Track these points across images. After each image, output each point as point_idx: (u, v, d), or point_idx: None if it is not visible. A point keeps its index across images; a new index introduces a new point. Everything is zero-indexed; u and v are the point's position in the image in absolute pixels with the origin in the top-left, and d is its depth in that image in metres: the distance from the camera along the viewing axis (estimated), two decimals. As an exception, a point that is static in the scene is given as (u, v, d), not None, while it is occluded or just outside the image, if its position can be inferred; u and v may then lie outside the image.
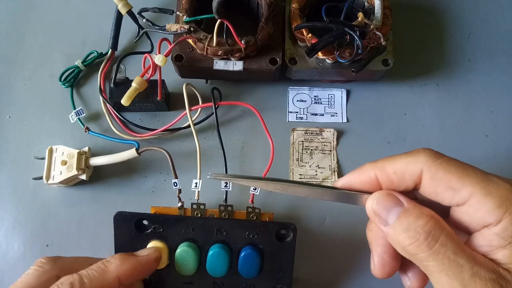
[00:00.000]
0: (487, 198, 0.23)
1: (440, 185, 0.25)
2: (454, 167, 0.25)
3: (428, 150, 0.26)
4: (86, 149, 0.44)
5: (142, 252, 0.34)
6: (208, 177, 0.29)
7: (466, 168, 0.24)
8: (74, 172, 0.42)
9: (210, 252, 0.35)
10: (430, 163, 0.25)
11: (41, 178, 0.42)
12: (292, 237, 0.35)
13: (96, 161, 0.43)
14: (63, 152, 0.43)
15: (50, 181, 0.42)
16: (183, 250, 0.35)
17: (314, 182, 0.28)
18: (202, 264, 0.35)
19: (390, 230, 0.25)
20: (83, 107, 0.46)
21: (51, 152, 0.43)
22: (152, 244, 0.35)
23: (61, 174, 0.42)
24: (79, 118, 0.46)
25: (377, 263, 0.28)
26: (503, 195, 0.23)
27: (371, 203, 0.26)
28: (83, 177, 0.43)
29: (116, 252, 0.35)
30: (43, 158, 0.43)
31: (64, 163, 0.42)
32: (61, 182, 0.42)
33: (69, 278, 0.30)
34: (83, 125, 0.46)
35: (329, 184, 0.28)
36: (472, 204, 0.24)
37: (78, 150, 0.43)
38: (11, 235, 0.44)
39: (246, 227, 0.35)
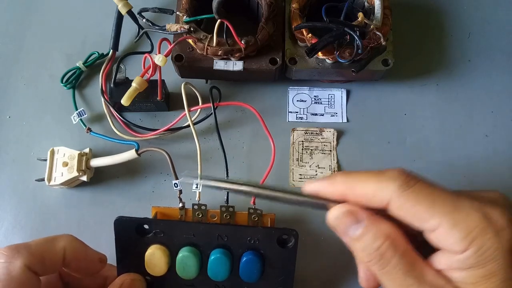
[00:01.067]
0: (454, 230, 0.24)
1: (407, 215, 0.25)
2: (423, 197, 0.24)
3: (400, 177, 0.25)
4: (87, 150, 0.44)
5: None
6: (180, 180, 0.29)
7: (435, 198, 0.24)
8: (75, 173, 0.42)
9: (212, 257, 0.35)
10: (398, 193, 0.25)
11: (43, 180, 0.42)
12: (294, 243, 0.35)
13: (96, 162, 0.43)
14: (64, 154, 0.43)
15: (52, 183, 0.42)
16: (184, 255, 0.35)
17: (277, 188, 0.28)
18: (203, 269, 0.35)
19: (351, 244, 0.27)
20: (84, 108, 0.46)
21: (52, 153, 0.43)
22: (153, 248, 0.35)
23: (62, 175, 0.42)
24: (81, 119, 0.46)
25: (362, 277, 0.30)
26: (470, 226, 0.23)
27: (331, 218, 0.27)
28: (84, 178, 0.43)
29: (118, 257, 0.35)
30: (45, 160, 0.43)
31: (65, 164, 0.42)
32: (62, 184, 0.42)
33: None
34: (85, 126, 0.46)
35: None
36: (439, 233, 0.24)
37: (79, 152, 0.43)
38: (11, 235, 0.44)
39: (247, 233, 0.35)
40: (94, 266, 0.34)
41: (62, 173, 0.42)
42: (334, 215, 0.27)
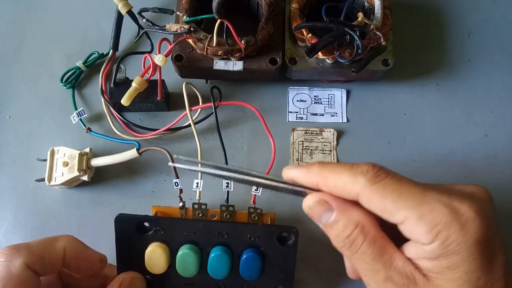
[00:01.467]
0: (420, 223, 0.24)
1: (376, 208, 0.26)
2: (390, 191, 0.25)
3: (369, 172, 0.26)
4: (87, 150, 0.44)
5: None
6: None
7: (402, 192, 0.25)
8: (76, 173, 0.42)
9: (212, 255, 0.35)
10: (366, 187, 0.26)
11: (43, 180, 0.42)
12: (294, 240, 0.35)
13: (97, 161, 0.43)
14: (64, 153, 0.43)
15: (52, 183, 0.42)
16: (184, 252, 0.35)
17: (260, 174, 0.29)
18: (203, 266, 0.35)
19: (325, 230, 0.28)
20: (84, 108, 0.46)
21: (52, 153, 0.43)
22: (153, 246, 0.35)
23: (62, 175, 0.42)
24: (80, 119, 0.46)
25: (348, 267, 0.32)
26: (435, 219, 0.24)
27: (305, 206, 0.29)
28: (85, 178, 0.43)
29: (118, 255, 0.35)
30: (45, 160, 0.43)
31: (65, 164, 0.42)
32: (63, 184, 0.42)
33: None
34: (85, 126, 0.46)
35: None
36: (406, 226, 0.25)
37: (79, 151, 0.43)
38: (11, 235, 0.44)
39: (247, 230, 0.35)
40: (94, 266, 0.34)
41: (62, 173, 0.42)
42: (307, 203, 0.28)
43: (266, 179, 0.29)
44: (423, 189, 0.25)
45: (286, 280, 0.36)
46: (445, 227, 0.24)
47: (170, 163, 0.35)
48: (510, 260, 0.26)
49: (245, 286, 0.36)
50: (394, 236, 0.27)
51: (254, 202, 0.38)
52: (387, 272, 0.26)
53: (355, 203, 0.27)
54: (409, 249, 0.26)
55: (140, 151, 0.41)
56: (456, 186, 0.27)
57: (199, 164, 0.31)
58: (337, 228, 0.27)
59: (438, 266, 0.25)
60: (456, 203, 0.25)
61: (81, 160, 0.42)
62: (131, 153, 0.42)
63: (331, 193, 0.28)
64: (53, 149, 0.43)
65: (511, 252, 0.27)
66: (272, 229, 0.35)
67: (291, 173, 0.29)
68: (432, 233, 0.24)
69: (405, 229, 0.25)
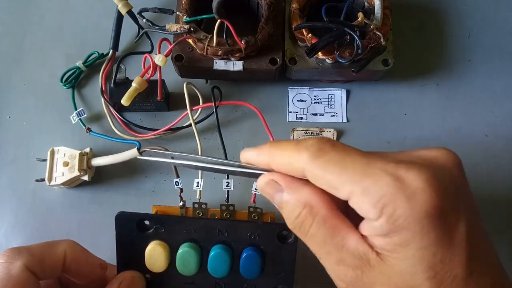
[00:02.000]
0: (364, 197, 0.22)
1: (322, 184, 0.24)
2: (333, 164, 0.23)
3: (313, 146, 0.24)
4: (87, 149, 0.44)
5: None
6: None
7: (346, 165, 0.23)
8: (76, 173, 0.42)
9: (212, 253, 0.35)
10: (310, 162, 0.24)
11: (43, 180, 0.42)
12: (294, 238, 0.35)
13: (97, 161, 0.43)
14: (64, 153, 0.43)
15: (53, 183, 0.42)
16: (184, 250, 0.35)
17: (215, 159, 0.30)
18: (203, 265, 0.35)
19: (280, 211, 0.27)
20: (84, 108, 0.46)
21: (52, 153, 0.43)
22: (153, 244, 0.35)
23: (63, 175, 0.42)
24: (80, 119, 0.46)
25: None
26: (379, 192, 0.22)
27: (258, 188, 0.28)
28: (85, 178, 0.43)
29: (118, 253, 0.35)
30: (45, 160, 0.43)
31: (66, 164, 0.42)
32: (63, 184, 0.42)
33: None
34: (85, 125, 0.46)
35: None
36: (353, 201, 0.23)
37: (79, 151, 0.43)
38: (11, 235, 0.44)
39: (247, 228, 0.35)
40: (94, 271, 0.34)
41: (62, 173, 0.42)
42: (258, 184, 0.28)
43: (222, 164, 0.30)
44: (368, 159, 0.23)
45: (286, 278, 0.36)
46: (390, 200, 0.22)
47: (138, 156, 0.36)
48: (483, 232, 0.24)
49: (245, 284, 0.36)
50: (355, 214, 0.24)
51: (254, 202, 0.38)
52: (339, 254, 0.24)
53: (307, 182, 0.25)
54: (363, 227, 0.24)
55: (141, 150, 0.41)
56: (417, 152, 0.25)
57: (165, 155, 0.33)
58: (287, 209, 0.26)
59: (391, 243, 0.23)
60: (402, 172, 0.22)
61: (81, 160, 0.42)
62: (132, 153, 0.42)
63: (280, 171, 0.27)
64: (53, 149, 0.43)
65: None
66: (272, 227, 0.35)
67: (245, 155, 0.28)
68: (377, 208, 0.22)
69: (353, 205, 0.23)
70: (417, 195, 0.22)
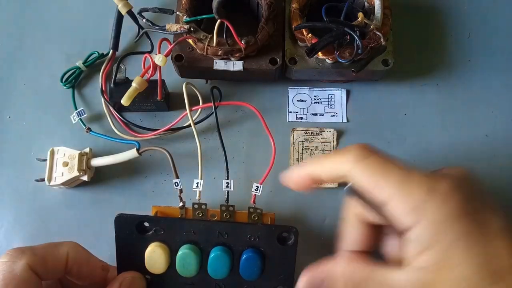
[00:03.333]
0: (401, 203, 0.25)
1: (365, 183, 0.27)
2: (377, 166, 0.27)
3: (357, 149, 0.28)
4: (87, 150, 0.44)
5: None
6: None
7: (387, 169, 0.26)
8: (76, 173, 0.42)
9: (212, 255, 0.35)
10: (355, 164, 0.27)
11: (43, 180, 0.42)
12: (294, 240, 0.35)
13: (97, 161, 0.43)
14: (64, 153, 0.43)
15: (52, 183, 0.42)
16: (184, 252, 0.35)
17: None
18: (203, 266, 0.35)
19: None
20: (84, 108, 0.46)
21: (52, 153, 0.43)
22: (153, 246, 0.35)
23: (62, 175, 0.42)
24: (80, 119, 0.46)
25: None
26: (416, 199, 0.25)
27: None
28: (85, 178, 0.43)
29: (117, 255, 0.35)
30: (44, 160, 0.43)
31: (65, 164, 0.42)
32: (63, 184, 0.42)
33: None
34: (85, 125, 0.46)
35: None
36: (391, 205, 0.26)
37: (79, 151, 0.43)
38: (11, 235, 0.44)
39: (247, 230, 0.35)
40: (96, 273, 0.34)
41: (62, 173, 0.42)
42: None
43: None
44: (407, 168, 0.27)
45: (286, 280, 0.36)
46: (425, 207, 0.25)
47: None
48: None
49: (245, 286, 0.36)
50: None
51: (254, 202, 0.38)
52: None
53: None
54: (404, 253, 0.26)
55: (140, 151, 0.41)
56: (441, 169, 0.29)
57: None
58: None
59: (433, 253, 0.25)
60: (434, 183, 0.25)
61: (81, 160, 0.42)
62: (131, 153, 0.42)
63: (323, 176, 0.29)
64: (53, 149, 0.43)
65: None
66: (272, 229, 0.35)
67: (287, 173, 0.31)
68: (413, 213, 0.25)
69: (389, 208, 0.26)
70: (448, 201, 0.25)
